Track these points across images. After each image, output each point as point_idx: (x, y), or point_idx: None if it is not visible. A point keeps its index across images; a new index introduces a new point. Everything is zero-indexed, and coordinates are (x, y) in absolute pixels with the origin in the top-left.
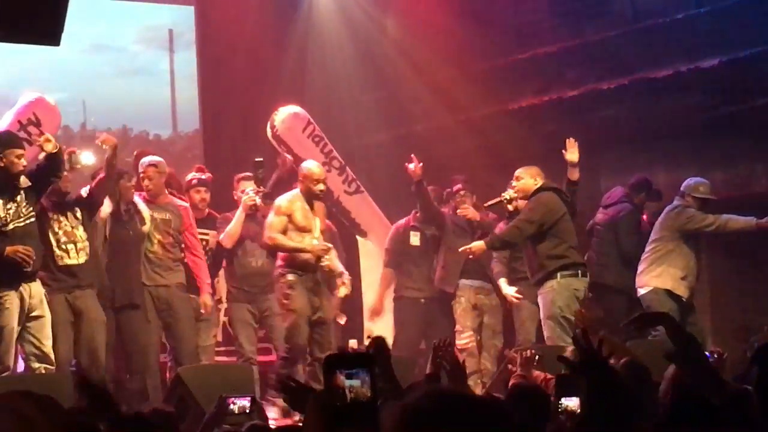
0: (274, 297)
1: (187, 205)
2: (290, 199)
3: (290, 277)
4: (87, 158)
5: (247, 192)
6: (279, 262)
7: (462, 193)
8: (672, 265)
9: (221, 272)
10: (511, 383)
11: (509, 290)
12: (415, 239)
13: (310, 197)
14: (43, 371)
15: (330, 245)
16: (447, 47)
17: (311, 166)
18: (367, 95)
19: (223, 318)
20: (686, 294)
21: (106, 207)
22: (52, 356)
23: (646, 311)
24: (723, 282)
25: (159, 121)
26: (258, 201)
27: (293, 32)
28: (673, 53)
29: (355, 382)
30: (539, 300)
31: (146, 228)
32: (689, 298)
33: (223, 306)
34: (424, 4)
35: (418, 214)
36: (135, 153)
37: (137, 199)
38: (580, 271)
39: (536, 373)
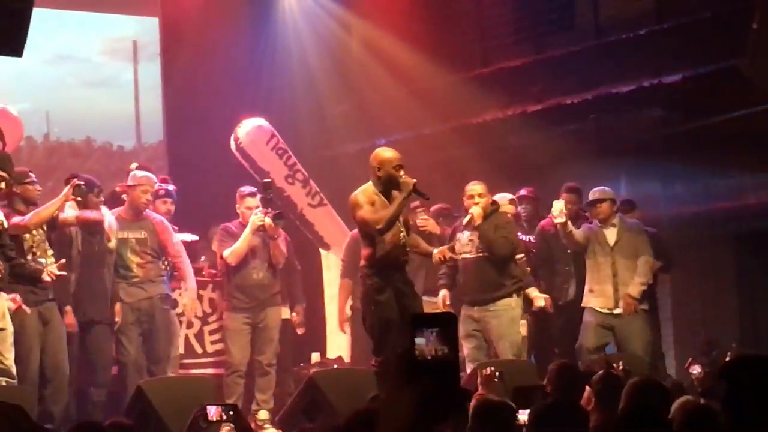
0: (274, 310)
1: (162, 218)
2: (364, 190)
3: (377, 279)
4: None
5: (256, 213)
6: (362, 262)
7: (421, 208)
8: (586, 281)
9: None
10: (473, 402)
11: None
12: None
13: (388, 186)
14: (4, 383)
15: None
16: (412, 61)
17: (382, 150)
18: (331, 108)
19: (184, 330)
20: (599, 305)
21: (71, 216)
22: (14, 370)
23: None
24: (685, 295)
25: (123, 133)
26: (268, 222)
27: (258, 44)
28: (636, 68)
29: (438, 341)
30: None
31: (112, 244)
32: (612, 308)
33: (185, 319)
34: (390, 19)
35: None
36: (135, 166)
37: (105, 213)
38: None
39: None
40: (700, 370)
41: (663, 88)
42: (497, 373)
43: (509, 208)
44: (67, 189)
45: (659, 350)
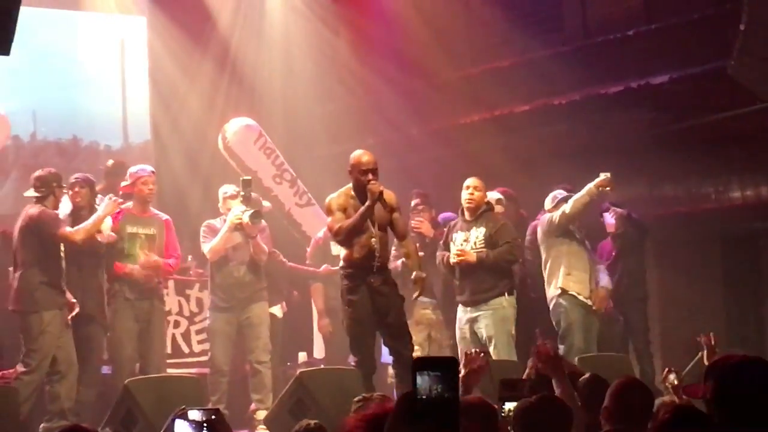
0: (258, 306)
1: (168, 217)
2: (340, 193)
3: (350, 280)
4: None
5: (234, 211)
6: (341, 263)
7: (420, 207)
8: (563, 264)
9: (171, 284)
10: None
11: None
12: (336, 249)
13: (360, 191)
14: None
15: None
16: (400, 61)
17: (358, 153)
18: (319, 107)
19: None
20: (577, 290)
21: (66, 209)
22: None
23: None
24: (672, 297)
25: (109, 132)
26: (246, 220)
27: (245, 43)
28: (624, 69)
29: (439, 383)
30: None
31: (107, 235)
32: (588, 296)
33: (172, 318)
34: (378, 18)
35: None
36: (111, 162)
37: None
38: None
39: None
40: (674, 377)
41: (651, 88)
42: (482, 354)
43: (497, 208)
44: (111, 205)
45: (648, 350)
